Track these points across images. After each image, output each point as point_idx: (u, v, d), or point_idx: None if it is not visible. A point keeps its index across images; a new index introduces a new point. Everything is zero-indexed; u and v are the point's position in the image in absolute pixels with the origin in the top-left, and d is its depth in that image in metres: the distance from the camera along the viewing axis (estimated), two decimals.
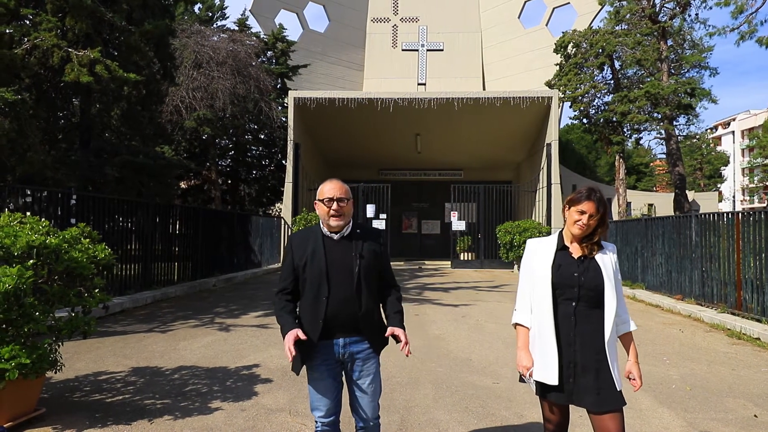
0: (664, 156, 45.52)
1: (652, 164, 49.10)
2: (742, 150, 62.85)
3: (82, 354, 5.40)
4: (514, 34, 27.43)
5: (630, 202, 23.24)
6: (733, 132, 65.93)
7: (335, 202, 2.43)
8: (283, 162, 22.43)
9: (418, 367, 5.27)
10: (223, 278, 12.09)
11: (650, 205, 27.46)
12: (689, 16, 19.89)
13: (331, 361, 2.44)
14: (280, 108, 19.51)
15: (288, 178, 17.34)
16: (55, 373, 3.85)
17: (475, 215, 18.56)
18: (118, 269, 8.60)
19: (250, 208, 23.71)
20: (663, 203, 27.15)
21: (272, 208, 25.41)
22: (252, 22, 23.88)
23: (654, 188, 46.33)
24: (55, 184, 8.72)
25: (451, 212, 17.33)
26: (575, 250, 2.46)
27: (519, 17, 27.86)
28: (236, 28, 21.45)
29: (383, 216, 17.39)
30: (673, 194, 27.74)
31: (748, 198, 58.12)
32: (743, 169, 60.66)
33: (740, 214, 7.86)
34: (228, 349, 5.78)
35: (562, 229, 2.58)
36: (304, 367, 2.46)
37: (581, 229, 2.39)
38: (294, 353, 2.28)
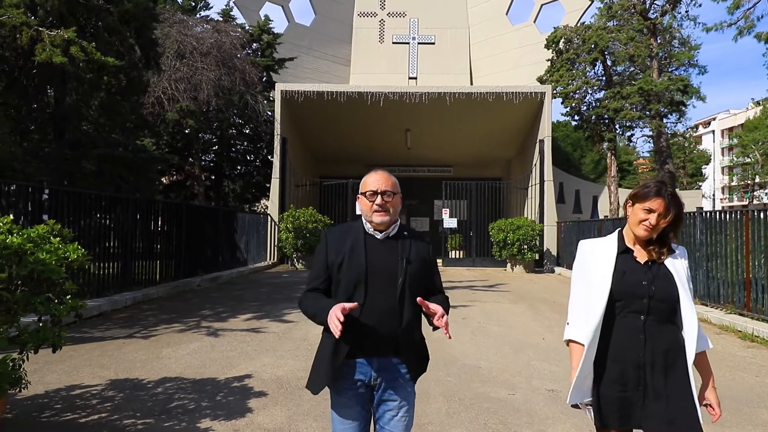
0: (647, 154, 45.99)
1: (635, 162, 49.53)
2: (722, 149, 63.80)
3: (54, 364, 4.88)
4: (502, 31, 27.18)
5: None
6: (713, 131, 66.83)
7: (379, 196, 2.04)
8: (269, 157, 21.85)
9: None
10: (207, 278, 11.56)
11: None
12: (679, 13, 19.83)
13: (360, 385, 2.02)
14: (266, 102, 18.93)
15: (275, 173, 16.81)
16: (20, 391, 3.37)
17: (465, 212, 18.24)
18: (95, 269, 8.04)
19: (234, 204, 23.08)
20: None
21: (257, 204, 24.82)
22: (236, 13, 23.24)
23: (638, 185, 46.64)
24: (26, 178, 8.11)
25: (443, 209, 16.98)
26: (640, 254, 2.08)
27: (507, 14, 27.63)
28: (220, 19, 20.78)
29: None
30: None
31: (727, 197, 59.05)
32: (723, 168, 61.61)
33: (749, 212, 7.62)
34: (216, 357, 5.31)
35: (622, 228, 2.19)
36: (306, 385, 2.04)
37: (647, 230, 2.01)
38: (341, 326, 1.82)
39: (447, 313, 2.10)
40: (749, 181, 43.59)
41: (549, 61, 21.29)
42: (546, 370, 5.15)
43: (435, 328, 2.02)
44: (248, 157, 23.26)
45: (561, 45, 20.29)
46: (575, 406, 2.15)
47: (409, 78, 20.55)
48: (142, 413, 3.75)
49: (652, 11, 19.72)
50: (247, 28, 21.51)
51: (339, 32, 27.55)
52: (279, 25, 25.97)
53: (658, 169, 22.01)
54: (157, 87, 15.69)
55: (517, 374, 4.98)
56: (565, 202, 24.31)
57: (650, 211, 2.00)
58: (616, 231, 2.20)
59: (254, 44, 21.60)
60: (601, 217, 22.99)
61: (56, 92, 10.13)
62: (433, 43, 21.97)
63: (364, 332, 1.98)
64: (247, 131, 21.83)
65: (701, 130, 66.70)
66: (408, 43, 21.17)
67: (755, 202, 43.97)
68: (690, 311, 1.99)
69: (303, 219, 15.09)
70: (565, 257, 15.85)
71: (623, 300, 2.02)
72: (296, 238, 15.07)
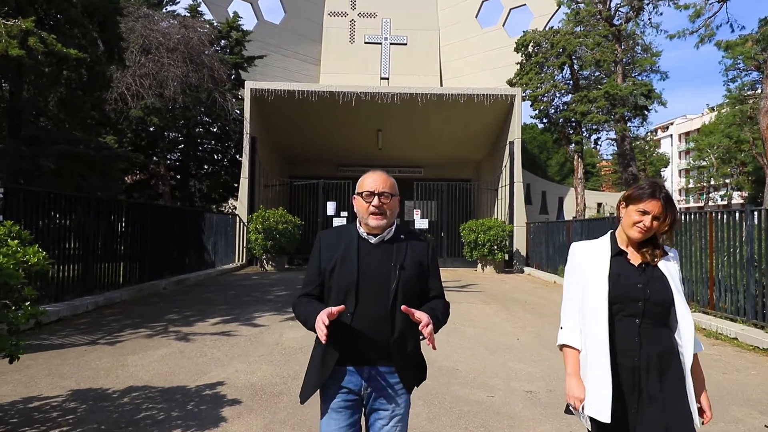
0: (610, 157, 47.30)
1: (598, 165, 50.85)
2: (680, 153, 66.28)
3: (9, 374, 4.58)
4: (472, 34, 27.46)
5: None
6: (671, 135, 69.40)
7: (377, 197, 1.96)
8: (237, 157, 21.40)
9: None
10: (174, 280, 11.19)
11: (599, 204, 28.14)
12: (642, 20, 20.42)
13: (350, 394, 1.94)
14: (234, 100, 18.51)
15: (244, 173, 16.46)
16: None
17: (435, 213, 18.29)
18: (54, 271, 7.65)
19: (200, 204, 22.51)
20: (611, 202, 27.95)
21: (225, 204, 24.28)
22: (204, 9, 22.68)
23: (600, 188, 47.96)
24: None
25: (414, 210, 16.97)
26: (634, 257, 2.05)
27: (476, 17, 27.92)
28: (188, 14, 20.22)
29: (344, 214, 16.82)
30: (619, 193, 28.64)
31: (684, 198, 61.36)
32: (680, 171, 63.99)
33: (712, 214, 7.86)
34: (186, 364, 5.10)
35: (614, 230, 2.16)
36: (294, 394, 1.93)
37: (641, 232, 1.98)
38: (326, 330, 1.76)
39: (443, 320, 2.03)
40: (705, 184, 45.34)
41: (518, 65, 21.60)
42: (523, 371, 5.15)
43: (423, 337, 1.92)
44: (216, 157, 22.72)
45: (530, 48, 20.61)
46: (568, 411, 2.11)
47: (381, 78, 20.50)
48: (108, 425, 3.54)
49: (616, 18, 20.26)
50: (215, 24, 21.01)
51: (309, 31, 27.27)
52: (248, 22, 25.42)
53: (621, 171, 22.62)
54: (121, 83, 15.12)
55: (495, 376, 4.96)
56: (532, 203, 24.71)
57: (644, 212, 1.98)
58: (608, 233, 2.16)
59: (222, 41, 21.11)
60: (566, 218, 23.47)
61: (11, 86, 9.60)
62: (405, 44, 22.01)
63: (355, 340, 1.90)
64: (215, 130, 21.31)
65: (660, 134, 69.13)
66: (380, 44, 21.12)
67: (710, 204, 45.79)
68: (685, 314, 1.97)
69: (273, 220, 14.81)
70: (534, 257, 16.08)
71: (619, 303, 1.98)
72: (266, 239, 14.78)
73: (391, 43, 21.05)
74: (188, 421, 3.64)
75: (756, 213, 7.09)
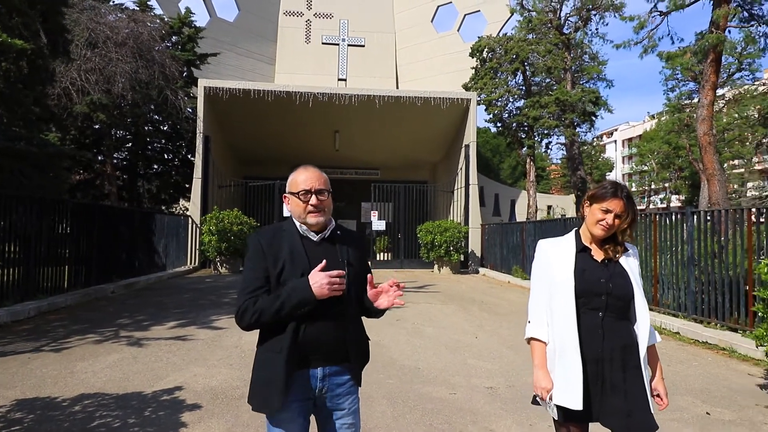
0: (559, 161, 49.03)
1: (548, 168, 52.60)
2: (623, 158, 69.49)
3: None
4: (427, 38, 27.85)
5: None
6: (615, 141, 72.62)
7: (314, 195, 1.92)
8: (189, 156, 20.78)
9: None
10: (122, 284, 10.73)
11: (549, 206, 29.17)
12: (590, 30, 21.32)
13: (304, 397, 1.89)
14: (187, 98, 17.96)
15: (197, 173, 16.00)
16: None
17: (391, 215, 18.41)
18: None
19: (149, 205, 21.69)
20: (561, 204, 29.00)
21: (175, 206, 23.50)
22: (154, 3, 21.91)
23: (550, 190, 49.63)
24: None
25: (371, 212, 17.01)
26: (597, 253, 2.15)
27: (432, 21, 28.33)
28: (137, 8, 19.47)
29: None
30: (568, 196, 29.77)
31: None
32: (624, 175, 67.10)
33: (656, 216, 8.29)
34: (140, 369, 4.91)
35: (578, 227, 2.26)
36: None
37: (604, 230, 2.08)
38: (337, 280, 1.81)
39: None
40: (646, 187, 47.74)
41: (473, 69, 22.06)
42: (482, 368, 5.26)
43: (379, 313, 1.99)
44: (166, 156, 21.95)
45: (485, 54, 21.10)
46: (535, 402, 2.18)
47: (339, 79, 20.43)
48: None
49: (566, 27, 21.06)
50: (166, 19, 20.33)
51: (264, 30, 26.87)
52: (200, 18, 24.77)
53: (570, 175, 23.51)
54: (65, 77, 14.39)
55: (456, 374, 5.05)
56: (486, 206, 25.30)
57: (607, 211, 2.07)
58: (573, 231, 2.25)
59: (174, 37, 20.45)
60: (518, 219, 24.16)
61: None
62: (363, 46, 22.05)
63: (311, 341, 1.85)
64: (166, 128, 20.59)
65: (605, 139, 72.21)
66: (338, 45, 21.06)
67: (651, 206, 48.24)
68: (643, 307, 2.07)
69: (227, 221, 14.47)
70: (489, 258, 16.45)
71: (584, 297, 2.07)
72: (220, 241, 14.42)
73: (348, 45, 21.01)
74: (146, 428, 3.51)
75: (695, 215, 7.54)
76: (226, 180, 18.13)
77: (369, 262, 2.16)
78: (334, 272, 1.79)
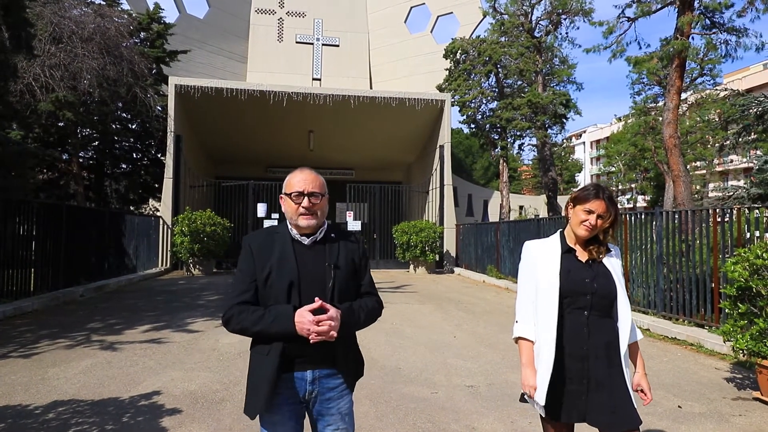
0: (530, 162, 49.93)
1: (519, 169, 53.49)
2: (592, 159, 71.20)
3: None
4: (400, 38, 27.92)
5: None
6: (584, 142, 74.36)
7: (306, 198, 1.92)
8: (159, 156, 20.34)
9: None
10: (92, 286, 10.43)
11: (521, 206, 29.66)
12: (560, 34, 21.78)
13: (294, 400, 1.90)
14: (157, 96, 17.56)
15: (168, 173, 15.66)
16: None
17: (367, 215, 18.42)
18: None
19: (117, 206, 21.12)
20: (532, 204, 29.53)
21: (144, 206, 22.94)
22: None
23: (522, 191, 50.48)
24: None
25: (347, 212, 16.97)
26: (581, 254, 2.21)
27: (405, 22, 28.43)
28: (103, 2, 18.92)
29: (275, 216, 16.48)
30: (539, 197, 30.36)
31: None
32: (592, 176, 68.75)
33: (627, 216, 8.53)
34: (116, 375, 4.79)
35: (563, 229, 2.32)
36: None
37: (588, 230, 2.15)
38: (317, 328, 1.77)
39: (365, 318, 1.99)
40: (614, 188, 49.04)
41: (447, 71, 22.25)
42: (462, 367, 5.33)
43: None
44: (135, 155, 21.41)
45: (458, 56, 21.31)
46: (523, 399, 2.23)
47: (313, 79, 20.33)
48: None
49: (537, 30, 21.45)
50: (134, 15, 19.83)
51: (235, 27, 26.48)
52: (169, 14, 24.26)
53: (542, 176, 23.96)
54: (28, 73, 13.89)
55: (436, 373, 5.09)
56: (459, 206, 25.55)
57: (590, 212, 2.14)
58: (558, 232, 2.31)
59: (142, 33, 19.96)
60: (491, 219, 24.50)
61: None
62: (338, 45, 21.99)
63: (298, 344, 1.83)
64: (134, 127, 20.09)
65: (574, 141, 73.86)
66: (312, 44, 20.95)
67: (618, 207, 49.49)
68: (625, 306, 2.15)
69: (200, 222, 14.22)
70: (464, 258, 16.62)
71: (570, 297, 2.13)
72: (192, 242, 14.17)
73: (323, 44, 20.94)
74: None
75: (664, 215, 7.79)
76: (198, 180, 17.82)
77: (369, 265, 2.13)
78: (324, 317, 1.76)
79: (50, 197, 18.08)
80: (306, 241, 1.96)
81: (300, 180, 1.96)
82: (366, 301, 2.03)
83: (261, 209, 16.36)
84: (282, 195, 2.00)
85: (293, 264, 1.89)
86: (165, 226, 15.26)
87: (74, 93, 15.03)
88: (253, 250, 1.94)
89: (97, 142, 19.80)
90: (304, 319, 1.78)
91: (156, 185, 19.99)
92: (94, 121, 17.83)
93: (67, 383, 4.50)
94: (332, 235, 2.02)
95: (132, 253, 13.64)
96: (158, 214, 16.23)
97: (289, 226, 1.99)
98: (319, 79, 20.31)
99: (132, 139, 20.64)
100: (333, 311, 1.82)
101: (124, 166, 21.28)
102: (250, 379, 1.91)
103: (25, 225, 8.99)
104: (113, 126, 18.90)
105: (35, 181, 15.64)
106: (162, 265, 15.14)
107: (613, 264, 2.20)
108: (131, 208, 21.42)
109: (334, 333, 1.80)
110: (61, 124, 16.98)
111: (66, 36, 15.08)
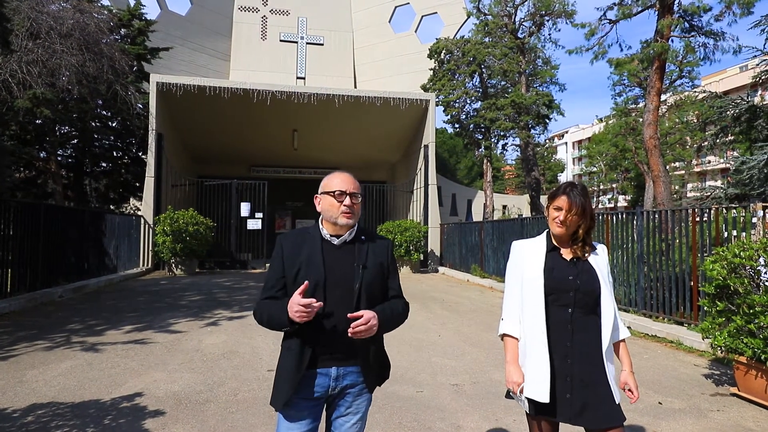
0: (513, 162, 50.36)
1: (503, 169, 53.94)
2: (574, 159, 72.12)
3: None
4: (385, 38, 27.94)
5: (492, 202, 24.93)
6: (566, 143, 75.29)
7: (348, 197, 1.97)
8: (140, 154, 20.04)
9: None
10: (71, 287, 10.24)
11: (504, 206, 29.90)
12: (543, 35, 21.99)
13: (316, 395, 1.95)
14: (138, 93, 17.30)
15: (149, 172, 15.45)
16: None
17: None
18: None
19: (96, 205, 20.76)
20: (516, 204, 29.80)
21: (125, 205, 22.59)
22: None
23: (505, 191, 50.90)
24: None
25: None
26: (566, 252, 2.24)
27: (389, 21, 28.45)
28: None
29: (259, 215, 16.38)
30: (522, 196, 30.64)
31: None
32: (574, 176, 69.64)
33: (608, 215, 8.66)
34: (97, 376, 4.71)
35: (549, 229, 2.34)
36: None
37: (558, 226, 2.19)
38: (305, 310, 1.78)
39: (397, 318, 2.07)
40: (595, 188, 49.71)
41: (431, 71, 22.31)
42: (447, 366, 5.35)
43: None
44: (115, 153, 21.06)
45: (442, 56, 21.39)
46: (509, 396, 2.25)
47: (298, 78, 20.22)
48: None
49: (521, 31, 21.63)
50: (114, 11, 19.51)
51: (217, 25, 26.22)
52: (151, 11, 23.98)
53: (525, 175, 24.17)
54: (4, 69, 13.57)
55: (422, 372, 5.11)
56: (443, 205, 25.67)
57: (558, 208, 2.18)
58: (545, 232, 2.34)
59: (123, 30, 19.65)
60: (475, 219, 24.65)
61: None
62: (322, 44, 21.90)
63: (323, 341, 1.91)
64: (115, 125, 19.76)
65: (557, 141, 74.72)
66: (296, 42, 20.83)
67: (600, 206, 50.27)
68: (608, 303, 2.17)
69: (183, 221, 14.05)
70: (448, 257, 16.70)
71: (554, 294, 2.15)
72: (175, 242, 14.00)
73: (307, 43, 20.83)
74: None
75: (644, 214, 7.93)
76: (181, 179, 17.61)
77: (396, 267, 2.18)
78: (305, 301, 1.78)
79: (28, 196, 17.70)
80: (336, 241, 2.00)
81: (342, 180, 2.01)
82: (395, 304, 2.09)
83: (244, 208, 16.24)
84: (319, 194, 2.04)
85: (320, 263, 1.94)
86: (146, 226, 15.05)
87: (52, 90, 14.74)
88: (285, 248, 2.02)
89: (76, 140, 19.44)
90: (292, 302, 1.80)
91: (137, 184, 19.70)
92: (73, 119, 17.53)
93: (47, 386, 4.42)
94: (362, 237, 2.06)
95: (113, 253, 13.42)
96: (139, 213, 16.01)
97: (320, 226, 2.03)
98: (304, 78, 20.21)
99: (112, 138, 20.30)
100: (368, 313, 1.86)
101: (104, 164, 20.92)
102: (277, 372, 1.98)
103: (1, 224, 8.79)
104: (93, 124, 18.59)
105: (12, 180, 15.29)
106: (143, 265, 14.94)
107: (598, 262, 2.23)
108: (112, 207, 21.09)
109: (374, 329, 1.86)
110: (38, 121, 16.63)
111: (44, 32, 14.76)
